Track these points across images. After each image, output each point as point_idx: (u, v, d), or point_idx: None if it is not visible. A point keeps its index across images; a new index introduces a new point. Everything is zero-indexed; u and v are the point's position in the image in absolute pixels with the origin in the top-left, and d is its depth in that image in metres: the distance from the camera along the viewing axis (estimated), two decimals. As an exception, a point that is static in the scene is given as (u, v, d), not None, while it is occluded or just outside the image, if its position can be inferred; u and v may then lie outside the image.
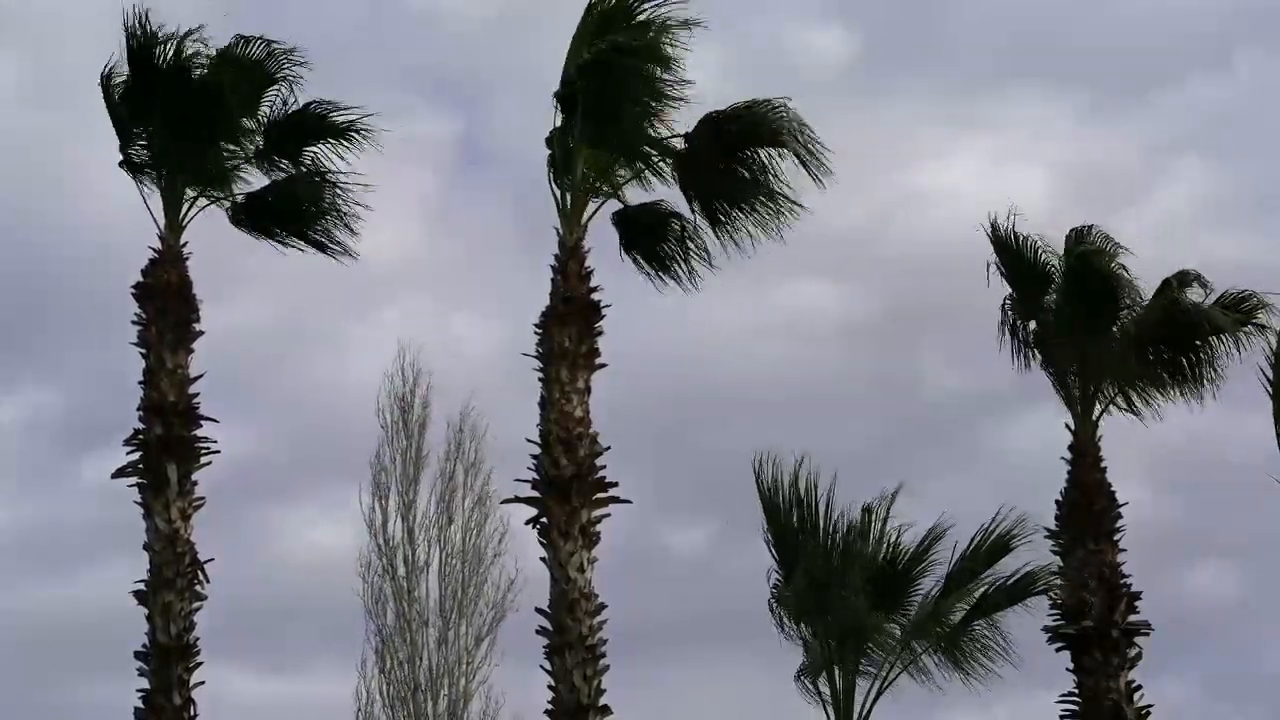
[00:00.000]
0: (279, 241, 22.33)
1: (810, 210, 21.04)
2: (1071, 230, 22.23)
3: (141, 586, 20.62)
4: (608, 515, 20.09)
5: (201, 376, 21.11)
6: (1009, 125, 47.77)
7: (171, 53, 21.18)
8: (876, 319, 44.45)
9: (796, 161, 20.67)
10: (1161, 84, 48.60)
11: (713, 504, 40.35)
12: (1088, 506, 21.87)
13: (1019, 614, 21.32)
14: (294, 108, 21.72)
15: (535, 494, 20.03)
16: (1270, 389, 22.03)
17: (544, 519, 19.95)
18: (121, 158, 21.58)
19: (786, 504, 20.93)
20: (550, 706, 19.70)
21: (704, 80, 20.87)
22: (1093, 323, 22.11)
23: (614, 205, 21.33)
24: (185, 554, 20.62)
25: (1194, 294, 22.11)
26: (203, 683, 20.51)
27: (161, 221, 21.42)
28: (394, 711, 33.97)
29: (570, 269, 20.44)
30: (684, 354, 41.40)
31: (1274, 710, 26.39)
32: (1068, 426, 22.23)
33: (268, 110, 21.79)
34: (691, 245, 21.50)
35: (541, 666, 19.81)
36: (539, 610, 19.89)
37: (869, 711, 20.71)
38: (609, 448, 20.18)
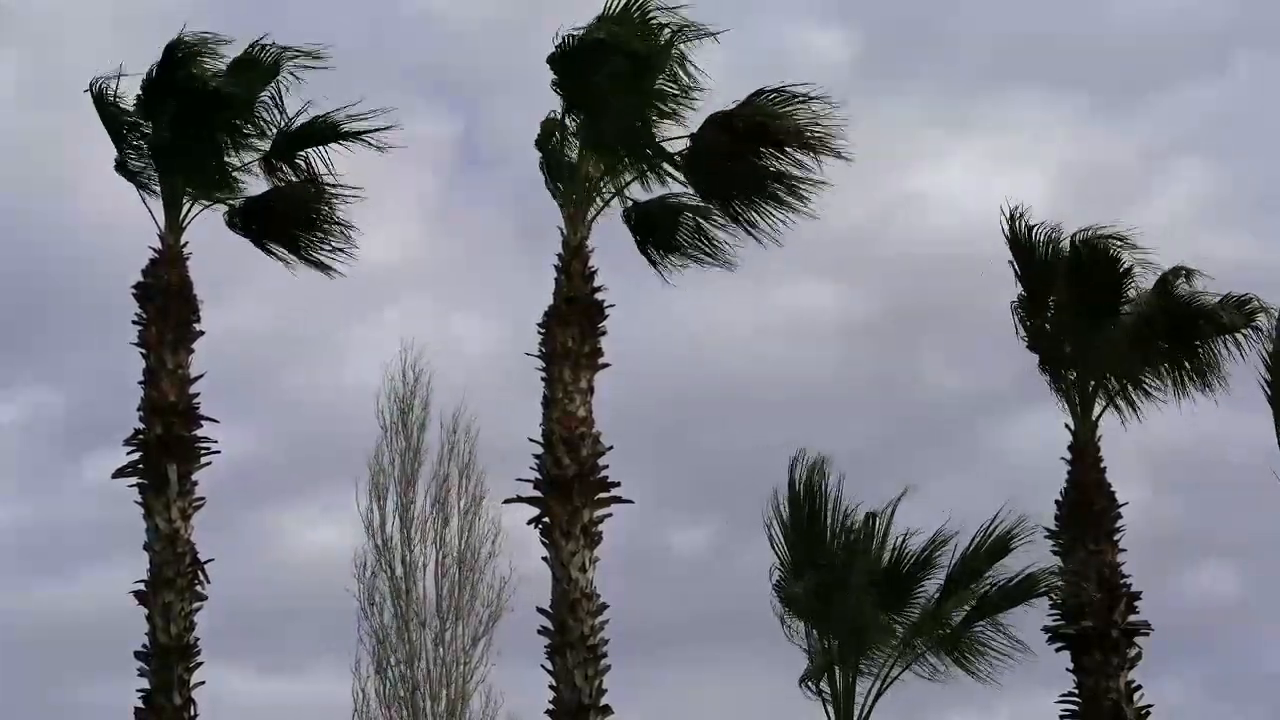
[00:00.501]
0: (270, 253, 22.34)
1: (807, 230, 21.12)
2: (1077, 231, 22.30)
3: (142, 586, 20.62)
4: (609, 515, 20.11)
5: (202, 377, 21.13)
6: (1009, 126, 47.81)
7: (185, 56, 21.18)
8: (876, 319, 44.49)
9: (804, 150, 20.66)
10: (1161, 85, 48.65)
11: (714, 504, 40.43)
12: (1088, 506, 21.90)
13: (1019, 613, 21.34)
14: (304, 118, 21.73)
15: (537, 494, 20.04)
16: (1269, 393, 22.11)
17: (546, 519, 19.96)
18: (118, 161, 21.58)
19: (801, 501, 20.95)
20: (551, 706, 19.71)
21: (703, 81, 20.92)
22: (1094, 318, 22.13)
23: (614, 205, 21.34)
24: (185, 554, 20.62)
25: (1188, 288, 22.15)
26: (203, 683, 20.53)
27: (162, 222, 21.43)
28: (391, 712, 34.02)
29: (573, 269, 20.45)
30: (685, 354, 41.44)
31: (1274, 710, 26.42)
32: (1068, 426, 22.26)
33: (276, 115, 21.80)
34: (706, 234, 21.46)
35: (542, 666, 19.83)
36: (540, 610, 19.89)
37: (869, 711, 20.73)
38: (611, 448, 20.20)
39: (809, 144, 20.51)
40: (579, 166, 20.64)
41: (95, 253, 39.73)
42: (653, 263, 21.63)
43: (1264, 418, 22.25)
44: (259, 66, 21.38)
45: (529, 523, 20.13)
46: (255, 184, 22.11)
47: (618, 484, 20.15)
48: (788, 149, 20.70)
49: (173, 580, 20.47)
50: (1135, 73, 46.83)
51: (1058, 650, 21.76)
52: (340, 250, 22.24)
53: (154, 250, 21.31)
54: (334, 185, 21.93)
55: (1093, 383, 22.24)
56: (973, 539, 21.05)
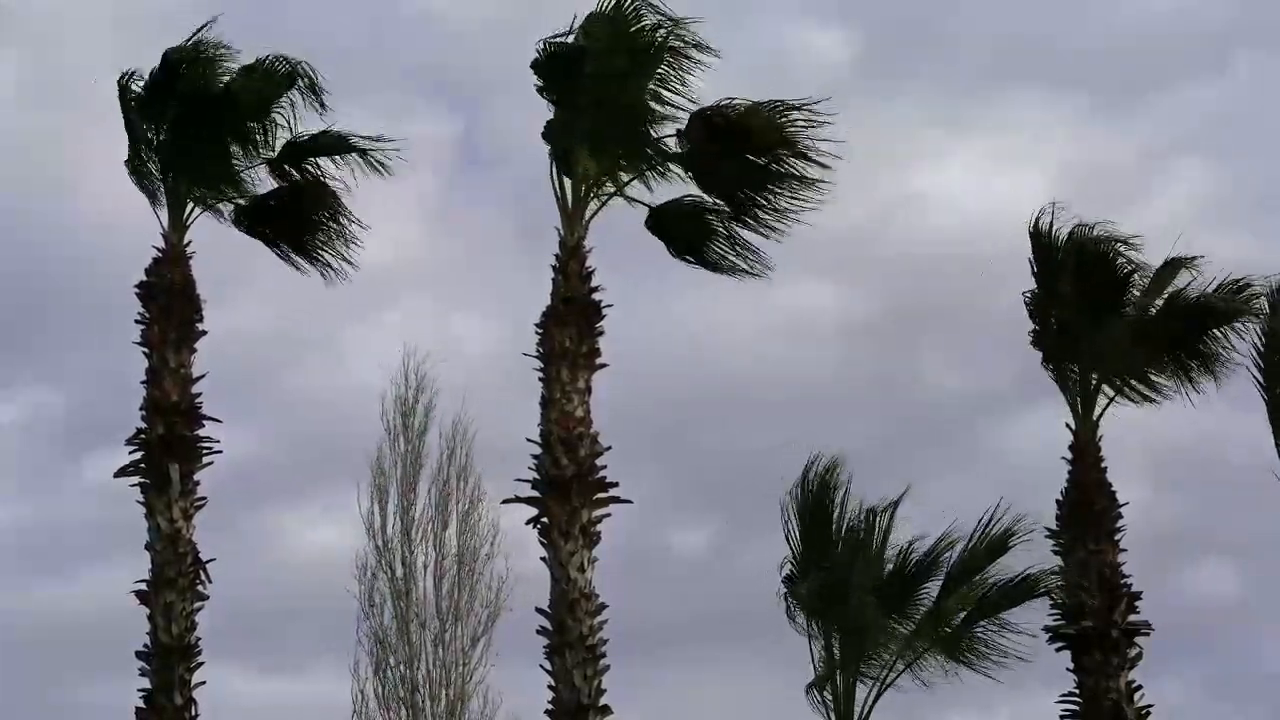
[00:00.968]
0: (277, 251, 22.39)
1: (806, 231, 21.15)
2: (1080, 224, 22.32)
3: (143, 586, 20.62)
4: (608, 515, 20.12)
5: (204, 376, 21.15)
6: (1008, 126, 47.84)
7: (196, 60, 21.21)
8: (876, 319, 44.51)
9: (793, 156, 20.73)
10: (1161, 85, 48.66)
11: (713, 504, 40.44)
12: (1088, 506, 21.90)
13: (1019, 613, 21.37)
14: (311, 132, 21.77)
15: (536, 494, 20.06)
16: (1260, 385, 22.14)
17: (544, 519, 19.97)
18: (128, 156, 21.60)
19: (813, 501, 20.99)
20: (550, 706, 19.72)
21: (703, 81, 20.95)
22: (1096, 315, 22.17)
23: (616, 204, 21.34)
24: (187, 554, 20.63)
25: (1188, 279, 22.23)
26: (204, 683, 20.54)
27: (165, 221, 21.45)
28: (390, 712, 34.09)
29: (571, 269, 20.47)
30: (685, 354, 41.46)
31: (1274, 710, 26.42)
32: (1068, 426, 22.26)
33: (281, 122, 21.82)
34: (738, 242, 21.48)
35: (541, 666, 19.84)
36: (539, 610, 19.91)
37: (869, 711, 20.75)
38: (609, 448, 20.22)
39: (788, 148, 20.60)
40: (575, 166, 20.64)
41: (95, 253, 39.79)
42: (687, 262, 21.68)
43: (1264, 417, 22.28)
44: (270, 75, 21.42)
45: (527, 523, 20.17)
46: (260, 185, 22.25)
47: (616, 484, 20.18)
48: (770, 152, 20.80)
49: (174, 580, 20.48)
50: (1135, 73, 46.88)
51: (1058, 650, 21.77)
52: (345, 258, 22.36)
53: (157, 249, 21.34)
54: (338, 188, 22.05)
55: (1095, 378, 22.25)
56: (971, 536, 21.10)
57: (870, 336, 44.34)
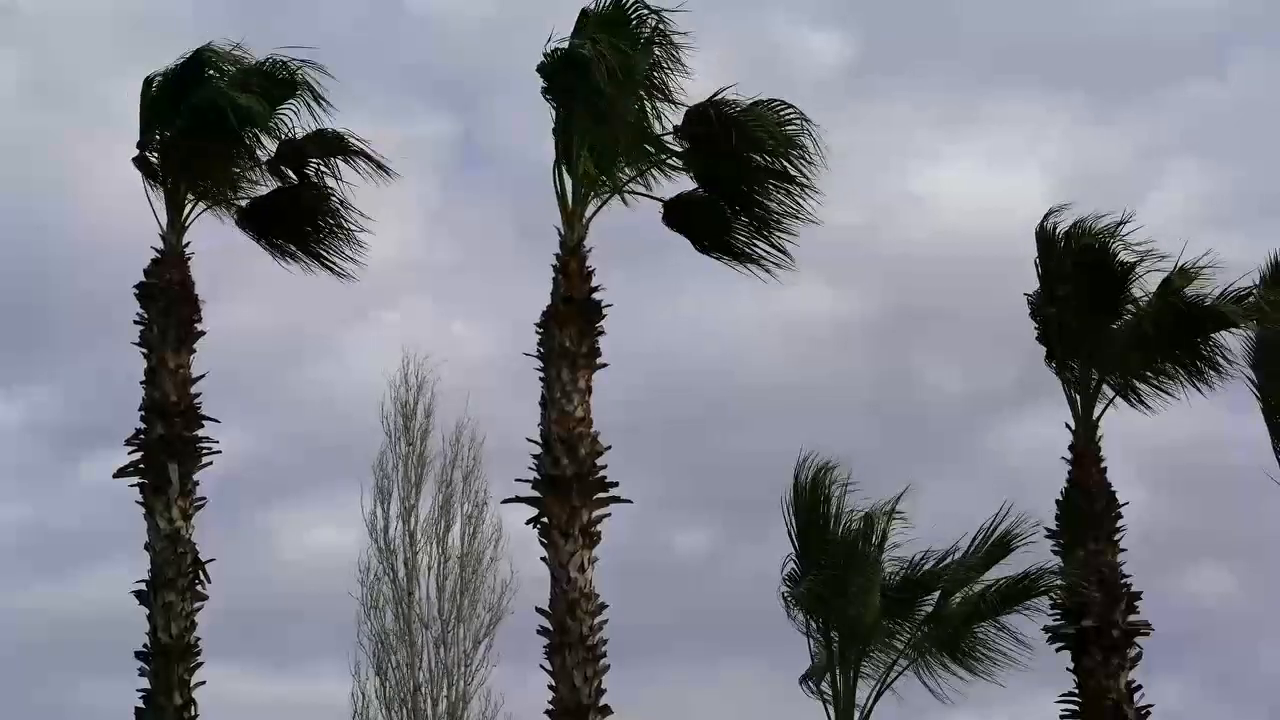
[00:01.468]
0: (280, 250, 22.40)
1: (806, 231, 21.15)
2: (1078, 221, 22.31)
3: (142, 586, 20.64)
4: (608, 515, 20.11)
5: (203, 377, 21.15)
6: (1006, 126, 47.86)
7: (201, 66, 21.24)
8: (876, 319, 44.53)
9: (785, 159, 20.75)
10: (1159, 85, 48.67)
11: (713, 504, 40.44)
12: (1088, 507, 21.90)
13: (1017, 615, 21.32)
14: (310, 129, 21.77)
15: (536, 494, 20.05)
16: (1256, 392, 22.15)
17: (544, 519, 19.96)
18: (137, 154, 21.59)
19: (806, 503, 20.97)
20: (550, 706, 19.71)
21: (703, 81, 20.95)
22: (1096, 315, 22.17)
23: (616, 204, 21.34)
24: (186, 554, 20.64)
25: (1193, 288, 22.20)
26: (203, 683, 20.55)
27: (164, 221, 21.45)
28: (390, 713, 34.11)
29: (571, 269, 20.45)
30: (685, 354, 41.48)
31: (1273, 710, 26.40)
32: (1068, 426, 22.26)
33: (284, 124, 21.81)
34: (760, 230, 21.44)
35: (541, 666, 19.83)
36: (539, 610, 19.89)
37: (869, 712, 20.73)
38: (609, 447, 20.21)
39: (785, 146, 20.62)
40: (576, 166, 20.64)
41: (95, 253, 39.80)
42: (711, 254, 21.66)
43: (1263, 418, 22.29)
44: (273, 79, 21.42)
45: (527, 522, 20.15)
46: (260, 187, 22.23)
47: (616, 484, 20.17)
48: (766, 150, 20.82)
49: (174, 580, 20.48)
50: (1134, 73, 46.90)
51: (1058, 650, 21.77)
52: (350, 258, 22.40)
53: (156, 250, 21.34)
54: (338, 191, 22.07)
55: (1095, 378, 22.25)
56: (973, 539, 21.04)
57: (869, 337, 44.40)
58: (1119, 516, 22.02)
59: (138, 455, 20.86)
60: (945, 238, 43.27)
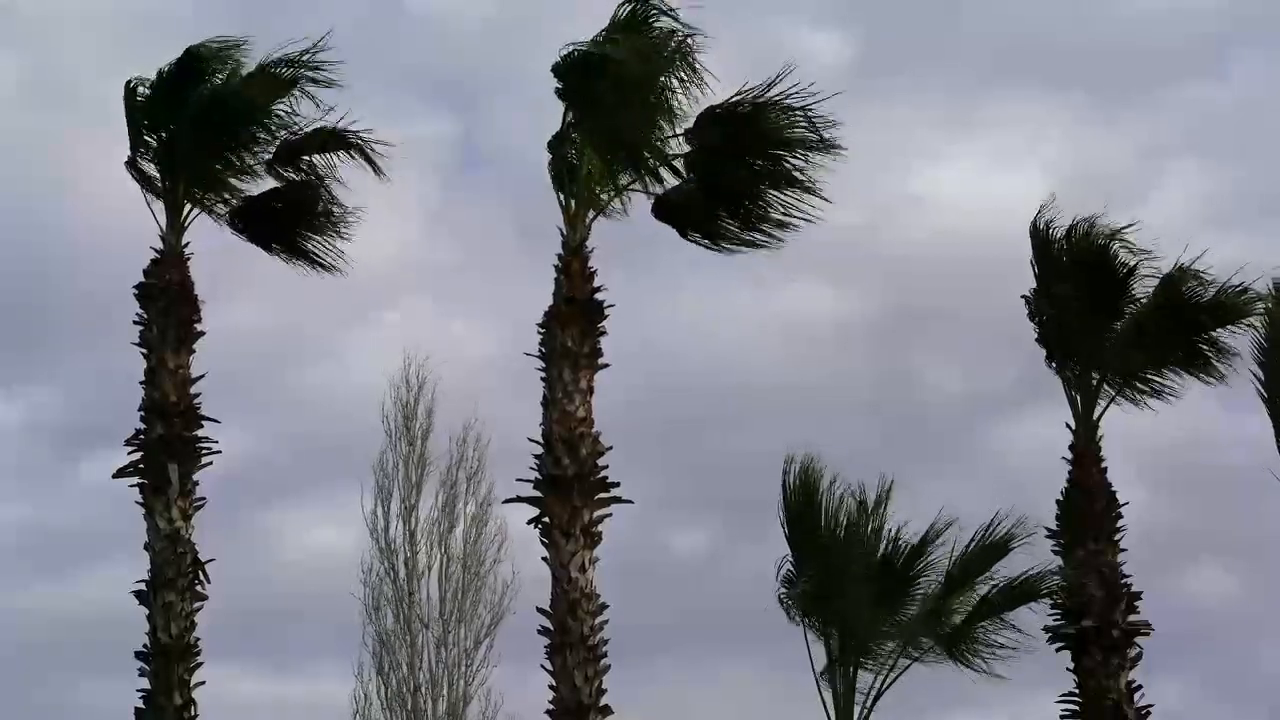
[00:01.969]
0: (271, 251, 22.41)
1: (806, 231, 21.16)
2: (1079, 219, 22.33)
3: (142, 586, 20.64)
4: (609, 515, 20.12)
5: (203, 377, 21.16)
6: (1006, 127, 47.88)
7: (200, 64, 21.24)
8: (876, 319, 44.54)
9: (797, 156, 20.76)
10: (1160, 85, 48.70)
11: (713, 504, 40.44)
12: (1088, 507, 21.90)
13: (1019, 614, 21.35)
14: (309, 127, 21.78)
15: (537, 494, 20.06)
16: (1261, 387, 22.14)
17: (546, 519, 19.97)
18: (129, 159, 21.60)
19: (797, 504, 21.00)
20: (551, 706, 19.72)
21: (710, 84, 20.91)
22: (1097, 314, 22.17)
23: (617, 205, 21.34)
24: (186, 554, 20.64)
25: (1187, 280, 22.21)
26: (203, 683, 20.55)
27: (163, 221, 21.45)
28: (391, 713, 34.12)
29: (573, 269, 20.46)
30: (685, 354, 41.49)
31: (1273, 711, 26.37)
32: (1068, 426, 22.27)
33: (282, 120, 21.81)
34: (750, 214, 21.45)
35: (542, 666, 19.83)
36: (540, 610, 19.90)
37: (869, 712, 20.75)
38: (611, 448, 20.21)
39: (802, 142, 20.62)
40: (579, 168, 20.66)
41: (95, 253, 39.80)
42: (697, 242, 21.68)
43: (1264, 418, 22.28)
44: (275, 80, 21.42)
45: (529, 522, 20.15)
46: (257, 185, 22.24)
47: (618, 484, 20.17)
48: (779, 149, 20.80)
49: (173, 580, 20.48)
50: (1134, 73, 46.92)
51: (1058, 650, 21.78)
52: (338, 251, 22.38)
53: (155, 250, 21.34)
54: (333, 185, 22.06)
55: (1096, 378, 22.25)
56: (972, 539, 21.09)
57: (869, 337, 44.42)
58: (1119, 516, 22.02)
59: (138, 455, 20.86)
60: (945, 238, 43.32)
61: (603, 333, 20.45)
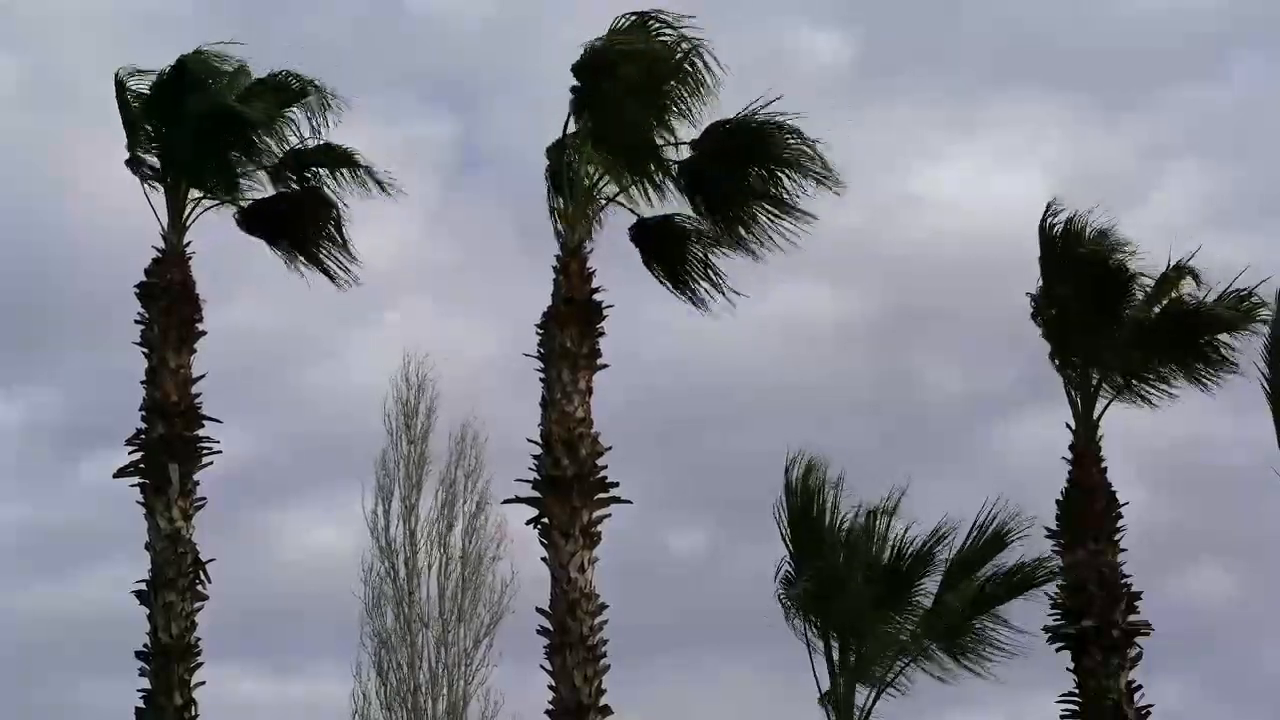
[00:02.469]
0: (280, 251, 22.42)
1: (818, 219, 21.19)
2: (1081, 219, 22.33)
3: (143, 586, 20.65)
4: (608, 515, 20.13)
5: (203, 376, 21.16)
6: (1007, 127, 47.90)
7: (201, 67, 21.26)
8: (875, 320, 44.55)
9: (800, 176, 20.81)
10: (1160, 85, 48.72)
11: (713, 504, 40.45)
12: (1088, 507, 21.89)
13: (1019, 614, 21.38)
14: (313, 143, 21.80)
15: (536, 494, 20.06)
16: (1266, 387, 22.12)
17: (545, 519, 19.98)
18: (129, 157, 21.61)
19: (799, 503, 20.99)
20: (550, 706, 19.72)
21: (710, 85, 20.88)
22: (1098, 315, 22.17)
23: (615, 205, 21.34)
24: (187, 554, 20.65)
25: (1191, 287, 22.22)
26: (204, 683, 20.58)
27: (165, 221, 21.46)
28: (391, 713, 34.12)
29: (572, 269, 20.47)
30: (684, 354, 41.46)
31: (1274, 711, 26.36)
32: (1068, 426, 22.26)
33: (288, 131, 21.84)
34: (710, 267, 21.59)
35: (542, 666, 19.84)
36: (540, 610, 19.91)
37: (869, 712, 20.74)
38: (610, 448, 20.22)
39: (800, 167, 20.68)
40: (580, 169, 20.66)
41: (95, 253, 39.84)
42: (659, 279, 21.75)
43: (1264, 418, 22.27)
44: (281, 91, 21.46)
45: (528, 523, 20.16)
46: (262, 189, 22.27)
47: (617, 484, 20.18)
48: (779, 170, 20.85)
49: (174, 580, 20.49)
50: (1134, 73, 46.95)
51: (1058, 650, 21.77)
52: (346, 267, 22.42)
53: (157, 250, 21.34)
54: (340, 200, 22.11)
55: (1096, 378, 22.26)
56: (969, 531, 21.09)
57: (869, 337, 44.43)
58: (1119, 516, 22.01)
59: (138, 455, 20.87)
60: (945, 238, 43.35)
61: (601, 333, 20.46)
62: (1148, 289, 22.44)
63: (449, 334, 43.00)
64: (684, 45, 20.50)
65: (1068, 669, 21.68)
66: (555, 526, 19.89)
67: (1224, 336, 22.29)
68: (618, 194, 21.20)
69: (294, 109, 21.70)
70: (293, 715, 39.94)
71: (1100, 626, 21.54)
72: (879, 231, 43.21)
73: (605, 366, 20.48)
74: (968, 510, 21.37)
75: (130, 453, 20.89)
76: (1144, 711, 21.50)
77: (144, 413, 20.94)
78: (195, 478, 20.90)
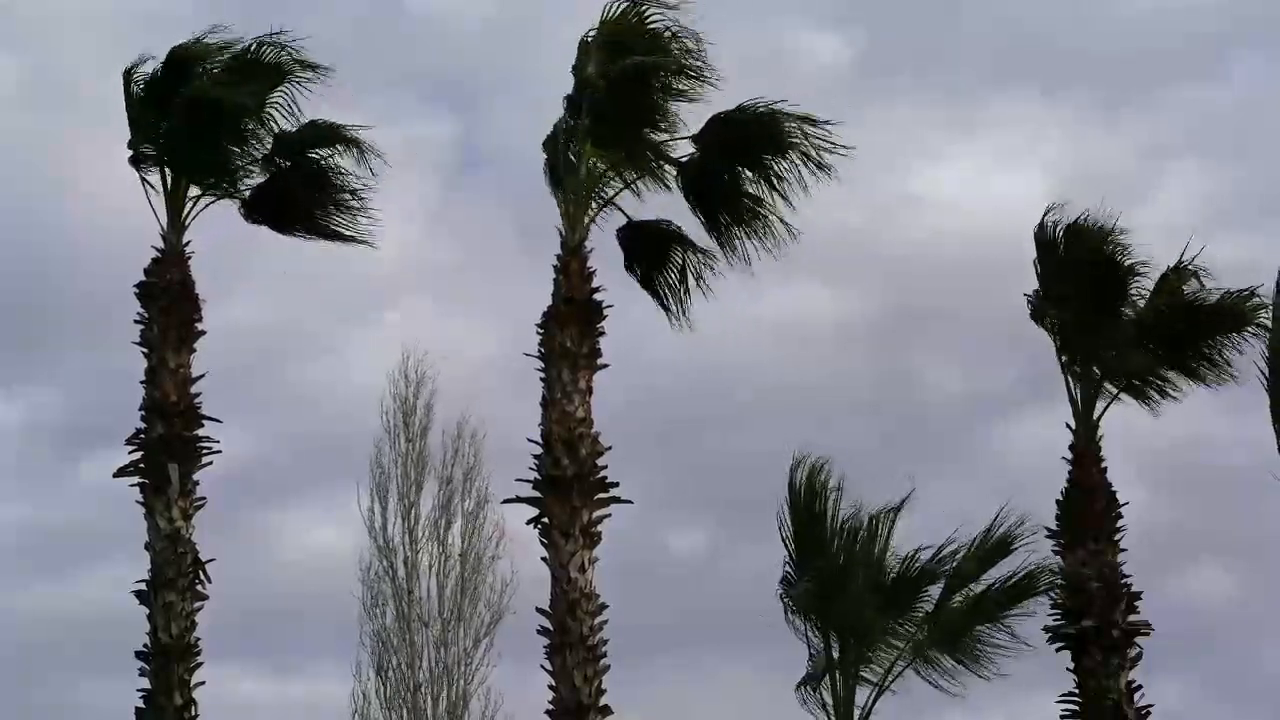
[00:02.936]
0: (291, 232, 22.33)
1: (806, 232, 21.21)
2: (1081, 219, 22.32)
3: (143, 586, 20.65)
4: (608, 515, 20.13)
5: (203, 376, 21.15)
6: (1007, 127, 47.89)
7: (195, 57, 21.24)
8: (875, 320, 44.53)
9: (804, 163, 20.78)
10: (1159, 86, 48.71)
11: (713, 504, 40.44)
12: (1088, 507, 21.90)
13: (1019, 614, 21.35)
14: (303, 120, 21.76)
15: (536, 494, 20.07)
16: (1266, 386, 22.10)
17: (545, 519, 19.98)
18: (131, 153, 21.59)
19: (802, 504, 21.00)
20: (550, 706, 19.72)
21: (708, 80, 20.90)
22: (1099, 315, 22.17)
23: (615, 204, 21.35)
24: (186, 554, 20.65)
25: (1193, 288, 22.21)
26: (203, 683, 20.57)
27: (164, 220, 21.45)
28: (391, 713, 34.10)
29: (572, 269, 20.47)
30: (684, 354, 41.46)
31: (1274, 710, 26.36)
32: (1068, 426, 22.26)
33: (277, 115, 21.81)
34: (691, 277, 21.60)
35: (542, 666, 19.85)
36: (540, 610, 19.91)
37: (869, 712, 20.75)
38: (610, 448, 20.22)
39: (803, 155, 20.67)
40: (579, 167, 20.67)
41: (95, 253, 39.81)
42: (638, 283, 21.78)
43: (1264, 418, 22.26)
44: (263, 70, 21.39)
45: (528, 523, 20.17)
46: (257, 175, 22.19)
47: (617, 484, 20.18)
48: (780, 159, 20.84)
49: (174, 580, 20.49)
50: (1134, 73, 46.94)
51: (1058, 650, 21.78)
52: (364, 226, 22.25)
53: (156, 249, 21.34)
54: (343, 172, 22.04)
55: (1096, 378, 22.25)
56: (974, 540, 21.07)
57: (869, 337, 44.41)
58: (1119, 516, 22.02)
59: (138, 455, 20.86)
60: (945, 238, 43.32)
61: (601, 333, 20.46)
62: (1148, 290, 22.46)
63: (449, 334, 43.00)
64: (672, 34, 20.50)
65: (1068, 669, 21.70)
66: (555, 526, 19.89)
67: (1225, 337, 22.30)
68: (617, 193, 21.22)
69: (282, 89, 21.60)
70: (293, 715, 39.95)
71: (1100, 626, 21.55)
72: (879, 231, 43.23)
73: (605, 366, 20.49)
74: (968, 510, 21.43)
75: (130, 452, 20.90)
76: (1144, 711, 21.51)
77: (143, 412, 20.94)
78: (195, 477, 20.89)
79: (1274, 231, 41.80)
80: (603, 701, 19.67)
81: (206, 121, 21.24)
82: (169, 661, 20.35)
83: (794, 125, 20.61)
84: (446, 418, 35.74)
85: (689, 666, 39.52)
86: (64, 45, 43.95)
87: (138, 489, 20.84)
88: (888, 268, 43.51)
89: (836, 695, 20.67)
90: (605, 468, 20.15)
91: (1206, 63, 48.44)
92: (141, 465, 20.82)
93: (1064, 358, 22.33)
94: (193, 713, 20.41)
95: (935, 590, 21.24)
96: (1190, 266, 22.16)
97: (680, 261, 21.70)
